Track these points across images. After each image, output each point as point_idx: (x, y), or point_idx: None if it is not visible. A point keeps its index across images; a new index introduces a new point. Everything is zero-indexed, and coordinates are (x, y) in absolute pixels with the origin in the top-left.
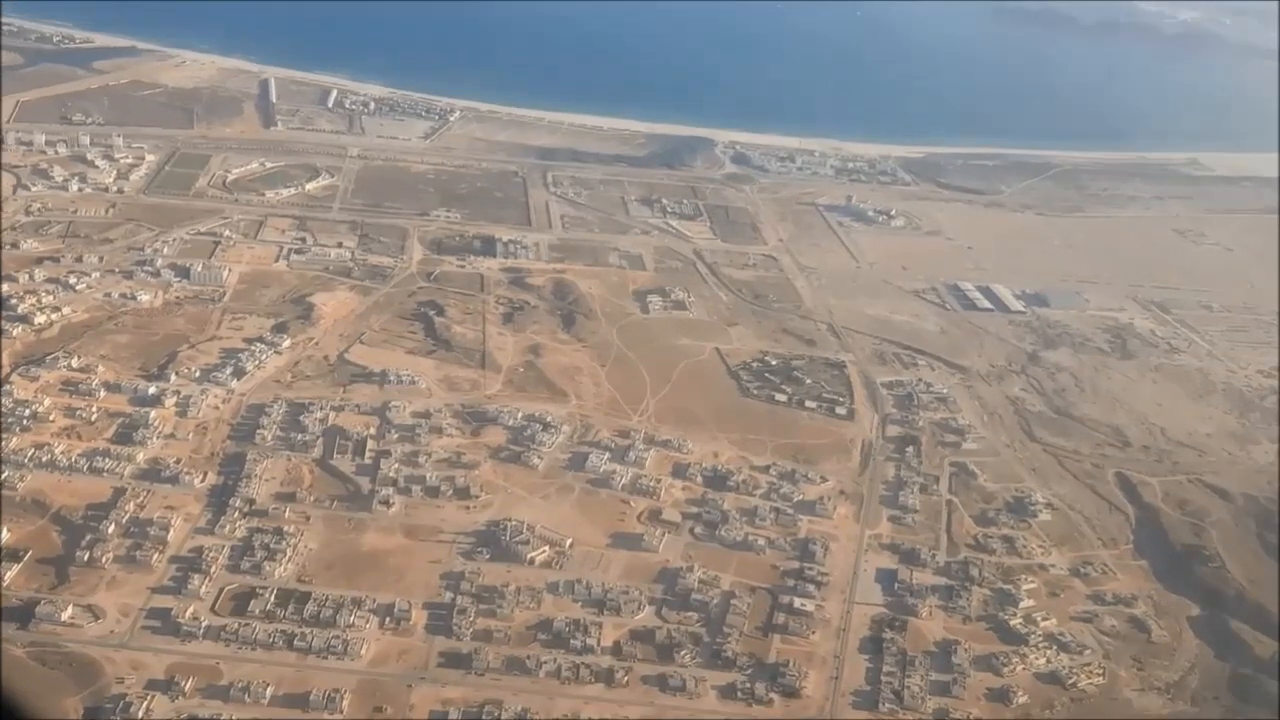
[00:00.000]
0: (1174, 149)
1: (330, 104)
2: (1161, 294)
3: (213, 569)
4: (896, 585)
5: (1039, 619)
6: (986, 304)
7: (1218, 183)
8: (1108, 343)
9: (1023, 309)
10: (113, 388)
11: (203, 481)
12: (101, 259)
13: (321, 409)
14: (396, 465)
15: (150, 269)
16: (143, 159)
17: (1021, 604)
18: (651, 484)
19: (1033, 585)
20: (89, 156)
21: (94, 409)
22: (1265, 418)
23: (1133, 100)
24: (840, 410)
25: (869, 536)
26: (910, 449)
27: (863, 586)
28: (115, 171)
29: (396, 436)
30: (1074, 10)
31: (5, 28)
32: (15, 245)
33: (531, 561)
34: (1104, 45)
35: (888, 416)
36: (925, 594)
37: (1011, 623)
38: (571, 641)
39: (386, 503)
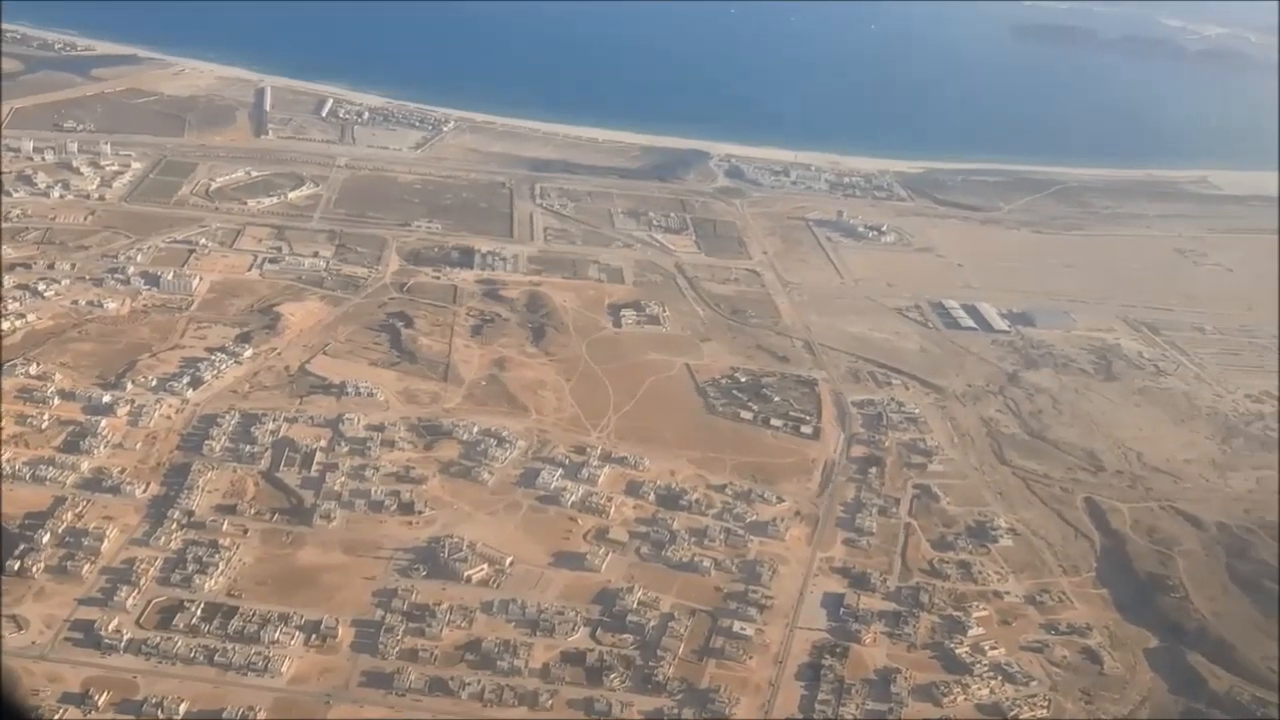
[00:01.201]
0: (1187, 167)
1: (324, 113)
2: (1154, 315)
3: (143, 581)
4: (842, 610)
5: (987, 648)
6: (970, 323)
7: (1226, 202)
8: (1092, 364)
9: (1007, 328)
10: (68, 395)
11: (144, 492)
12: (74, 266)
13: (275, 420)
14: (343, 479)
15: (121, 277)
16: (128, 166)
17: (970, 632)
18: (602, 502)
19: (984, 613)
20: (75, 164)
21: (46, 417)
22: (1249, 444)
23: (1149, 117)
24: (806, 429)
25: (820, 559)
26: (873, 470)
27: (807, 611)
28: (99, 179)
29: (347, 449)
30: (1097, 25)
31: (8, 35)
32: None
33: (469, 580)
34: (1125, 61)
35: (854, 436)
36: (871, 620)
37: (958, 651)
38: (499, 663)
39: (328, 517)
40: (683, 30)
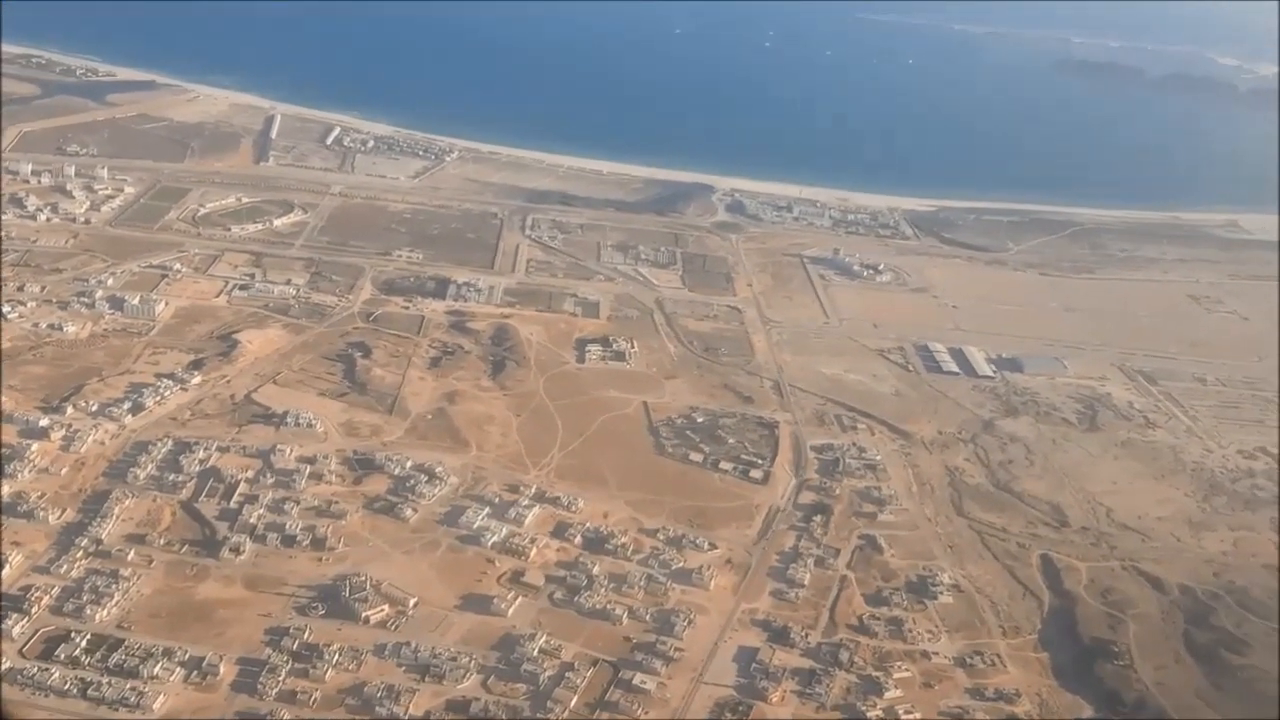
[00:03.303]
0: (1219, 210)
1: (329, 141)
2: (1153, 363)
3: (35, 610)
4: (753, 666)
5: (901, 712)
6: (954, 367)
7: (1252, 247)
8: (1076, 413)
9: (992, 373)
10: (6, 419)
11: (59, 518)
12: (43, 289)
13: (206, 449)
14: (260, 511)
15: (86, 300)
16: (121, 191)
17: (887, 694)
18: (524, 543)
19: (907, 674)
20: (69, 187)
21: None
22: (1232, 502)
23: (1185, 158)
24: (755, 473)
25: (743, 611)
26: (818, 518)
27: (718, 665)
28: (88, 202)
29: (272, 481)
30: (1145, 63)
31: (33, 60)
32: None
33: (367, 620)
34: (1170, 100)
35: (806, 482)
36: (782, 677)
37: (869, 714)
38: (379, 709)
39: (237, 550)
40: (710, 63)
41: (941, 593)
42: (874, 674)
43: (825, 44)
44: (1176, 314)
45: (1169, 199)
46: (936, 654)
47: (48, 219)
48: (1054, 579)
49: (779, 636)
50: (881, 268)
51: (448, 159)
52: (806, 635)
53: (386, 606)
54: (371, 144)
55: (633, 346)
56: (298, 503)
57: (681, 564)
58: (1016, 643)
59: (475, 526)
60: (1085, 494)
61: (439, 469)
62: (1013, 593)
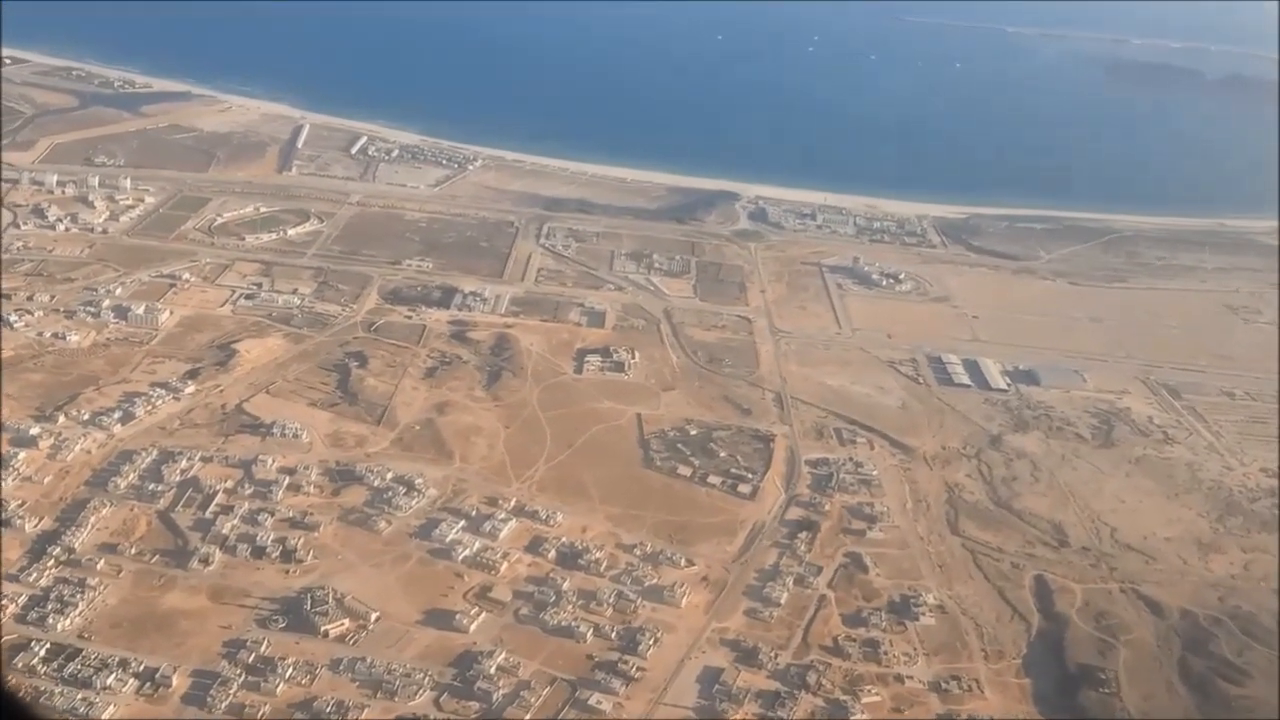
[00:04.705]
0: (1265, 216)
1: (354, 150)
2: (1180, 376)
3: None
4: (715, 687)
5: None
6: (966, 379)
7: None
8: (1091, 428)
9: (1006, 386)
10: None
11: (35, 526)
12: (52, 298)
13: (190, 459)
14: (235, 522)
15: (93, 309)
16: (142, 200)
17: (853, 718)
18: (495, 558)
19: (876, 698)
20: (90, 198)
21: None
22: (1247, 523)
23: (1236, 162)
24: (744, 488)
25: (713, 630)
26: (803, 535)
27: (680, 686)
28: (108, 212)
29: (251, 491)
30: (1204, 64)
31: (73, 73)
32: None
33: (326, 634)
34: (1226, 102)
35: (796, 497)
36: (745, 699)
37: None
38: None
39: (206, 561)
40: (750, 70)
41: (924, 614)
42: (842, 697)
43: (871, 49)
44: (1210, 324)
45: (1216, 205)
46: (911, 678)
47: (66, 229)
48: (1046, 601)
49: (747, 657)
50: (902, 276)
51: (470, 167)
52: (776, 656)
53: (347, 620)
54: (396, 153)
55: (633, 357)
56: (272, 514)
57: (655, 580)
58: (998, 667)
59: (448, 540)
60: (1090, 512)
61: (419, 481)
62: (1000, 615)
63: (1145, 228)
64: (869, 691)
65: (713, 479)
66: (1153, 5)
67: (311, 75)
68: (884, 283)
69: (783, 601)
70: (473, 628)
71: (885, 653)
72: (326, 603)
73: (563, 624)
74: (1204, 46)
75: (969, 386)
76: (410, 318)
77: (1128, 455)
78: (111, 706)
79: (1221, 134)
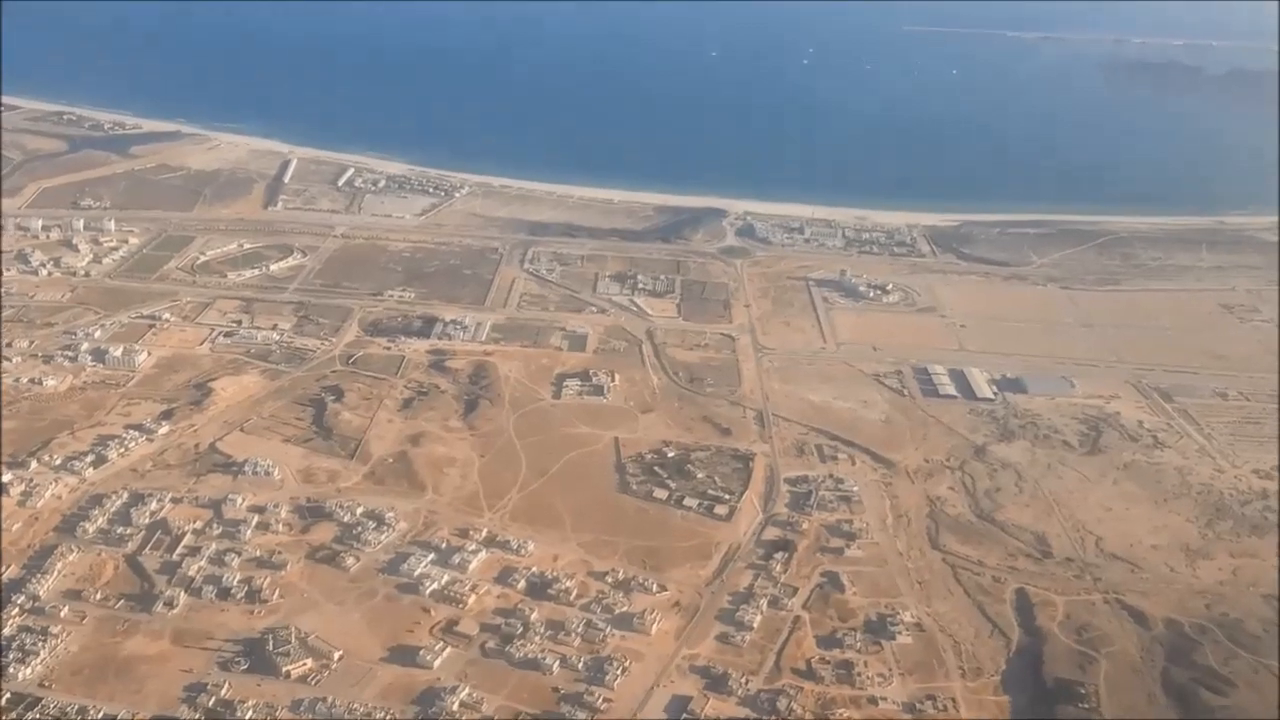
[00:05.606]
0: (1264, 214)
1: (341, 183)
2: (1172, 379)
3: None
4: (684, 716)
5: None
6: (952, 390)
7: None
8: (1078, 435)
9: (993, 395)
10: None
11: (2, 575)
12: (31, 343)
13: (160, 500)
14: (201, 564)
15: (71, 353)
16: (125, 242)
17: None
18: (463, 591)
19: None
20: (75, 241)
21: None
22: (1237, 527)
23: (1235, 158)
24: (720, 510)
25: (683, 657)
26: (779, 555)
27: (648, 715)
28: (91, 255)
29: (219, 531)
30: (1206, 60)
31: (65, 117)
32: None
33: (288, 675)
34: (1227, 98)
35: (773, 517)
36: None
37: None
38: None
39: (170, 604)
40: (742, 83)
41: (901, 632)
42: None
43: (867, 58)
44: (1205, 325)
45: (1215, 203)
46: (885, 699)
47: (49, 273)
48: (1027, 615)
49: (717, 684)
50: (890, 288)
51: (457, 195)
52: (746, 682)
53: (310, 660)
54: (383, 183)
55: (613, 380)
56: (239, 554)
57: (626, 608)
58: (975, 685)
59: (416, 574)
60: (1075, 522)
61: (389, 514)
62: (980, 631)
63: (1141, 228)
64: (841, 715)
65: (689, 501)
66: (1156, 5)
67: (298, 109)
68: (871, 295)
69: (755, 625)
70: (437, 664)
71: (859, 674)
72: (289, 643)
73: (529, 656)
74: (1206, 43)
75: (955, 397)
76: (389, 349)
77: (1116, 461)
78: None
79: (1221, 130)
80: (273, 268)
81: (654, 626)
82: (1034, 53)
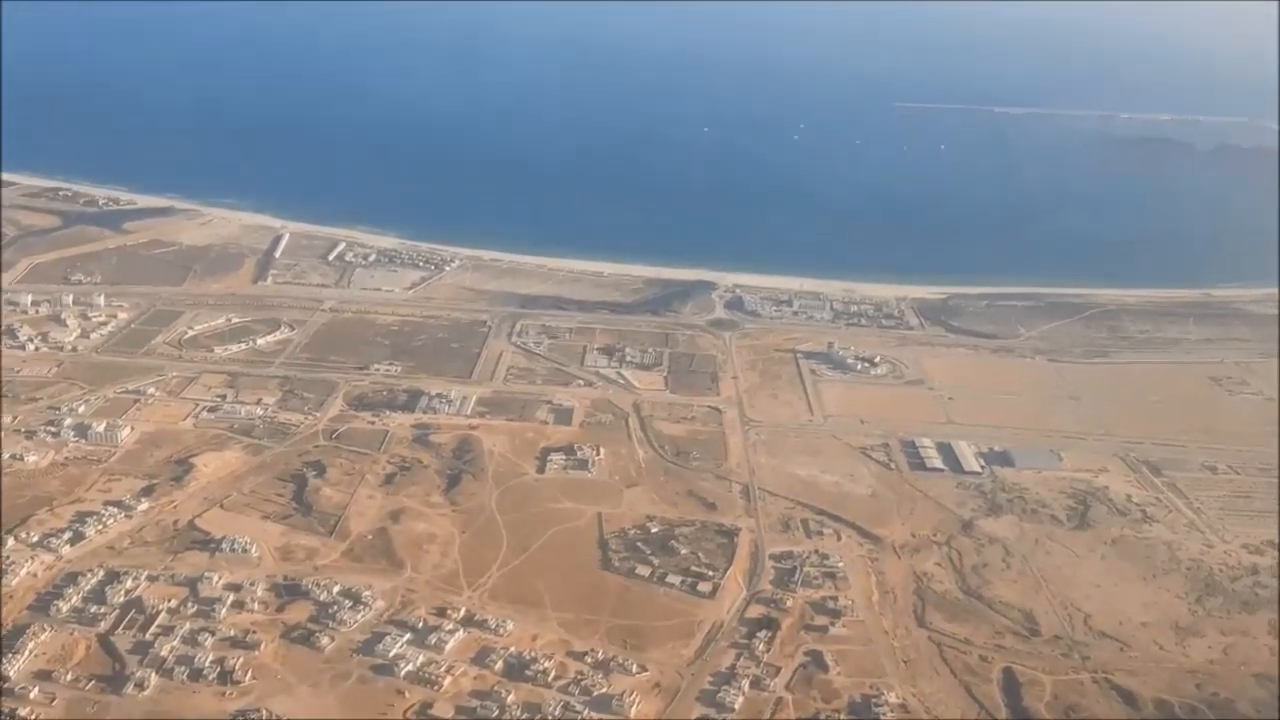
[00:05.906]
0: (1255, 285)
1: (332, 257)
2: (1160, 452)
3: None
4: None
5: None
6: (939, 463)
7: None
8: (1066, 510)
9: (980, 469)
10: None
11: None
12: (14, 419)
13: (135, 579)
14: (174, 644)
15: (53, 429)
16: (114, 317)
17: None
18: (439, 672)
19: None
20: (63, 316)
21: None
22: (1227, 604)
23: (1225, 232)
24: (704, 586)
25: None
26: (762, 634)
27: None
28: (79, 330)
29: (194, 610)
30: (1195, 135)
31: (60, 193)
32: None
33: None
34: (1216, 173)
35: (757, 594)
36: None
37: None
38: None
39: (141, 685)
40: (731, 159)
41: (884, 714)
42: None
43: (857, 134)
44: (1194, 398)
45: (1203, 277)
46: None
47: (36, 349)
48: (1013, 696)
49: None
50: (877, 360)
51: (447, 268)
52: None
53: None
54: (373, 257)
55: (598, 454)
56: (213, 633)
57: (604, 689)
58: None
59: (391, 655)
60: (1063, 599)
61: (366, 593)
62: (966, 712)
63: (1129, 301)
64: None
65: (672, 578)
66: (1140, 75)
67: (291, 184)
68: (859, 367)
69: (737, 707)
70: None
71: None
72: None
73: None
74: (1193, 118)
75: (942, 470)
76: (373, 423)
77: (1104, 536)
78: None
79: (1210, 204)
80: (259, 342)
81: (633, 709)
82: (1021, 128)
